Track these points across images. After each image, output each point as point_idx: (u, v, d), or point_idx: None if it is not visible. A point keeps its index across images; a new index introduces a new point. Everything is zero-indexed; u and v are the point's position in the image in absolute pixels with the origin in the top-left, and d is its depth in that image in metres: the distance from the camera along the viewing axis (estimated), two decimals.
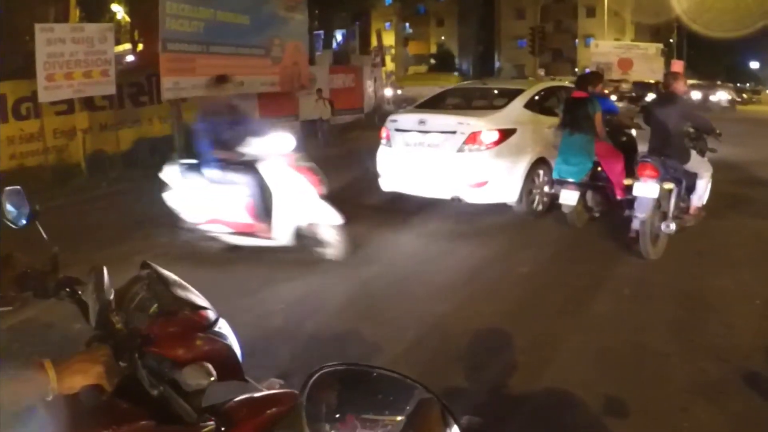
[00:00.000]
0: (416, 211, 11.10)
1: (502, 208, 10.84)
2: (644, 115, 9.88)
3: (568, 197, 9.78)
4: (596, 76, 11.59)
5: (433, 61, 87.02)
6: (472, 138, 10.24)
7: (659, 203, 8.67)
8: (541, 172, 10.97)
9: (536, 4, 66.32)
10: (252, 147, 8.40)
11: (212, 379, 2.00)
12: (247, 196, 8.55)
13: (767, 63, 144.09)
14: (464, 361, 5.84)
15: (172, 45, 15.75)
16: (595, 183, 10.10)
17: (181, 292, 2.53)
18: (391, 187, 11.29)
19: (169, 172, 9.01)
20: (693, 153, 9.35)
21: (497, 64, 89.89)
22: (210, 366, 2.01)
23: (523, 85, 12.83)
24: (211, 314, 2.50)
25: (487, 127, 10.36)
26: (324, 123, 21.95)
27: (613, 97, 41.24)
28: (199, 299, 2.58)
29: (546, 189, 11.09)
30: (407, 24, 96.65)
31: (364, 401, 2.10)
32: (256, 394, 2.36)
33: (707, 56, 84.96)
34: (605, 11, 62.79)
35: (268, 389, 2.47)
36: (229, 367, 2.36)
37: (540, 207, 11.11)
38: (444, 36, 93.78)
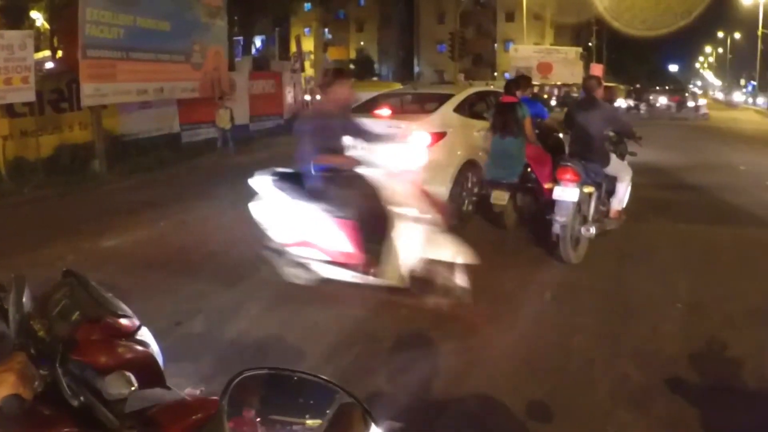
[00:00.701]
0: None
1: None
2: (565, 119, 10.00)
3: (499, 197, 9.95)
4: (525, 81, 11.91)
5: (352, 66, 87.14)
6: (403, 141, 10.13)
7: (579, 207, 8.71)
8: (469, 174, 11.04)
9: (456, 9, 66.97)
10: (369, 157, 7.18)
11: (133, 388, 1.99)
12: (352, 218, 7.04)
13: (687, 66, 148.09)
14: (388, 366, 5.78)
15: (93, 51, 15.52)
16: (524, 185, 10.29)
17: (103, 300, 2.56)
18: None
19: (260, 180, 7.66)
20: (613, 157, 9.48)
21: (417, 69, 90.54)
22: (131, 375, 2.00)
23: (453, 90, 12.92)
24: (133, 322, 2.56)
25: (417, 130, 10.37)
26: (226, 132, 21.19)
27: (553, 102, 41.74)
28: (121, 307, 2.61)
29: (475, 191, 11.18)
30: (327, 29, 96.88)
31: (285, 405, 2.09)
32: (179, 401, 2.33)
33: (628, 60, 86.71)
34: (524, 15, 63.66)
35: (190, 396, 2.42)
36: (151, 375, 2.38)
37: (469, 208, 11.19)
38: (364, 41, 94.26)
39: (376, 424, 2.00)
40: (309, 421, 2.04)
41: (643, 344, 6.28)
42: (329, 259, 7.22)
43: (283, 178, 7.55)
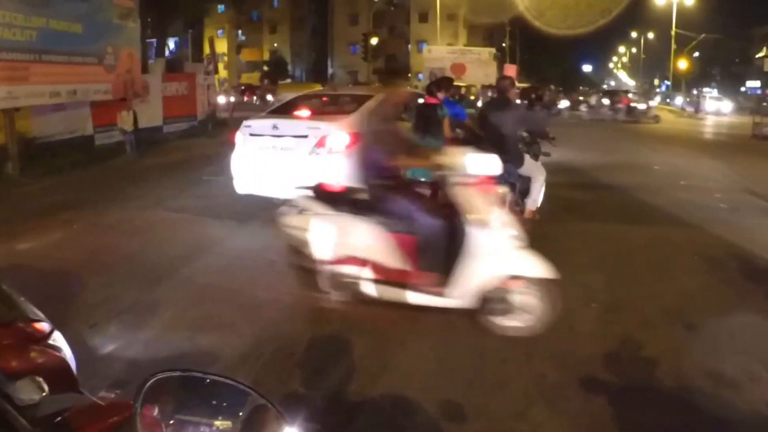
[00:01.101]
0: (263, 214, 11.04)
1: None
2: (479, 120, 10.12)
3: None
4: (447, 82, 12.07)
5: (266, 68, 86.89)
6: (323, 141, 10.45)
7: None
8: None
9: (369, 10, 67.08)
10: (440, 161, 6.70)
11: (44, 393, 2.01)
12: (412, 232, 6.62)
13: (601, 66, 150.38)
14: (302, 367, 5.80)
15: (5, 54, 15.18)
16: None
17: (14, 304, 2.57)
18: (246, 190, 11.36)
19: (299, 191, 7.34)
20: (527, 157, 9.69)
21: (331, 71, 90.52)
22: (42, 380, 2.02)
23: (372, 92, 13.00)
24: (46, 326, 2.54)
25: (337, 130, 10.54)
26: (129, 134, 20.64)
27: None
28: (34, 311, 2.62)
29: None
30: (240, 31, 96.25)
31: (199, 407, 2.08)
32: (92, 404, 2.34)
33: (542, 60, 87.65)
34: (438, 16, 64.02)
35: (103, 399, 2.42)
36: (63, 379, 2.39)
37: None
38: (277, 43, 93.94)
39: (290, 426, 2.04)
40: (218, 422, 2.05)
41: (559, 344, 6.26)
42: (382, 278, 6.73)
43: (323, 190, 7.29)
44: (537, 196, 9.90)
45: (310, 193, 7.18)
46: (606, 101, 52.61)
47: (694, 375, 5.73)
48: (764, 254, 9.41)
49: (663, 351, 6.22)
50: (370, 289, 6.77)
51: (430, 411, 5.01)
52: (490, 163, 6.55)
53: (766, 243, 10.17)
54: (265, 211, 10.85)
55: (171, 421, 1.99)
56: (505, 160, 8.62)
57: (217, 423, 2.02)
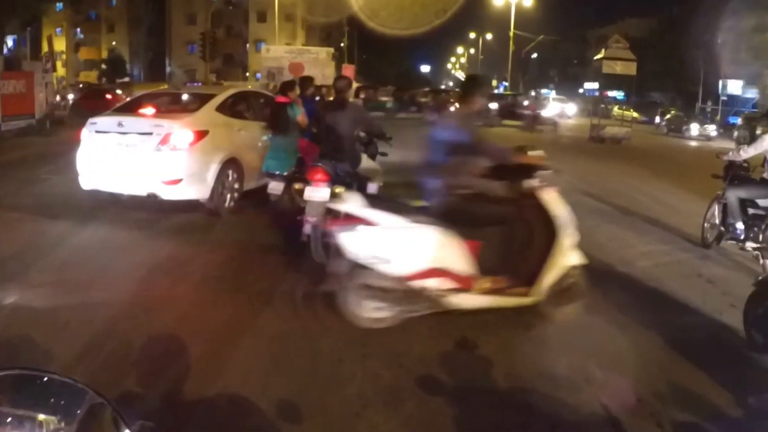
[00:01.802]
0: (101, 213, 11.18)
1: (195, 204, 11.30)
2: (316, 120, 10.25)
3: (275, 187, 10.42)
4: (308, 81, 13.49)
5: (104, 66, 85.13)
6: (167, 139, 10.67)
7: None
8: (230, 171, 11.62)
9: (207, 9, 66.52)
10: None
11: None
12: (491, 237, 6.80)
13: (438, 67, 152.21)
14: (138, 368, 5.64)
15: None
16: (300, 176, 10.38)
17: None
18: (91, 186, 11.37)
19: (353, 201, 6.77)
20: (364, 157, 9.97)
21: (168, 70, 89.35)
22: None
23: (215, 91, 13.58)
24: None
25: (180, 128, 10.84)
26: None
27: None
28: None
29: (236, 186, 11.79)
30: (79, 29, 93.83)
31: (35, 406, 1.99)
32: None
33: (379, 61, 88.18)
34: (276, 16, 64.07)
35: None
36: None
37: (231, 204, 11.74)
38: (116, 41, 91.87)
39: (127, 425, 2.05)
40: (54, 420, 1.98)
41: (394, 344, 6.26)
42: (464, 287, 6.58)
43: (378, 199, 7.11)
44: None
45: (375, 203, 6.71)
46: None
47: (530, 375, 5.83)
48: (598, 254, 9.47)
49: (498, 352, 6.27)
50: (455, 300, 6.56)
51: (267, 411, 5.02)
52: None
53: (599, 243, 10.52)
54: (102, 210, 11.16)
55: (8, 420, 1.94)
56: (341, 160, 9.09)
57: (54, 421, 1.98)
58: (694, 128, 46.80)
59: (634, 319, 7.29)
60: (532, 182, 6.83)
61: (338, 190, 8.66)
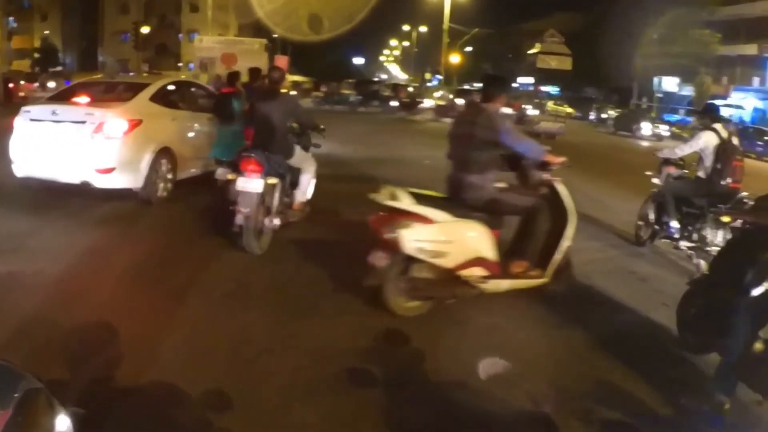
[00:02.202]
0: (42, 196, 11.23)
1: (128, 193, 11.26)
2: (249, 111, 10.25)
3: (222, 173, 10.42)
4: (256, 72, 14.26)
5: (37, 55, 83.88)
6: (100, 127, 10.70)
7: (263, 198, 8.82)
8: (164, 160, 11.67)
9: None
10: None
11: None
12: (523, 224, 7.52)
13: (372, 60, 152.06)
14: (68, 354, 5.61)
15: None
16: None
17: None
18: (25, 173, 11.35)
19: (404, 195, 7.04)
20: (297, 149, 9.91)
21: (101, 59, 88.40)
22: None
23: (150, 80, 13.61)
24: None
25: (114, 117, 10.88)
26: None
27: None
28: None
29: (169, 176, 11.86)
30: (11, 18, 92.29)
31: None
32: None
33: (312, 53, 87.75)
34: (209, 6, 63.63)
35: None
36: None
37: (164, 193, 11.80)
38: (48, 30, 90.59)
39: (62, 410, 2.12)
40: None
41: (319, 339, 6.32)
42: (493, 273, 7.04)
43: (425, 197, 7.22)
44: (306, 188, 10.16)
45: (413, 201, 6.96)
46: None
47: (459, 371, 5.86)
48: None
49: (425, 345, 6.35)
50: (489, 285, 7.02)
51: (195, 401, 5.04)
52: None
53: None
54: (34, 198, 11.17)
55: None
56: (274, 151, 9.19)
57: None
58: (646, 127, 46.92)
59: (566, 317, 7.40)
60: (545, 175, 7.50)
61: (271, 181, 8.91)
